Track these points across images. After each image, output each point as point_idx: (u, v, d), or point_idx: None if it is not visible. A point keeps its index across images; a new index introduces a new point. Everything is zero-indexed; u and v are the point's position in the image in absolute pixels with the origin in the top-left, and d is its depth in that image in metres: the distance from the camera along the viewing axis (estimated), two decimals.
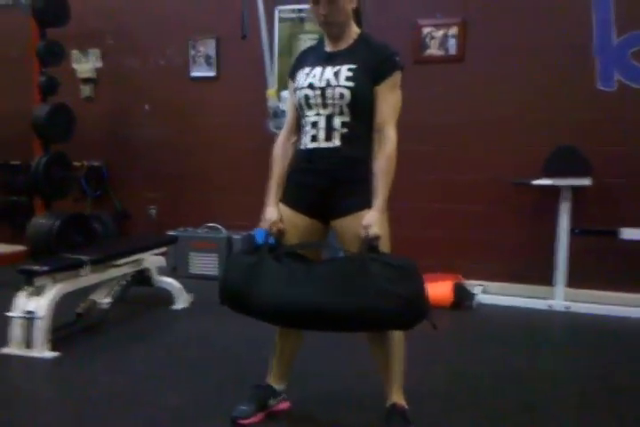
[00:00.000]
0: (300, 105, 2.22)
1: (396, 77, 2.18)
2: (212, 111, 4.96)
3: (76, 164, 5.01)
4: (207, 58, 4.98)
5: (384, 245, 2.14)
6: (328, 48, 2.26)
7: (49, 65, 4.76)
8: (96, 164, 5.24)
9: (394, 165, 2.14)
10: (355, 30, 2.24)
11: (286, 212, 2.26)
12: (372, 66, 2.15)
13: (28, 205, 5.10)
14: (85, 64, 5.29)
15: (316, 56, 2.27)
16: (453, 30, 4.31)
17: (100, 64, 5.28)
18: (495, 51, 4.22)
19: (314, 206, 2.23)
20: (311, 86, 2.18)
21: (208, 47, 4.96)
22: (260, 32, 4.35)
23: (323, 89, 2.16)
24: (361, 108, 2.15)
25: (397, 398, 2.30)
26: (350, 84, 2.13)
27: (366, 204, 2.12)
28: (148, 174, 5.19)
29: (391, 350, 2.26)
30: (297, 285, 2.08)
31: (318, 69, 2.20)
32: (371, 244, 2.08)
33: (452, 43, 4.33)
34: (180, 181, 5.10)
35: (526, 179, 3.97)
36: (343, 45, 2.22)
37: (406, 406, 2.30)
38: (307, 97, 2.19)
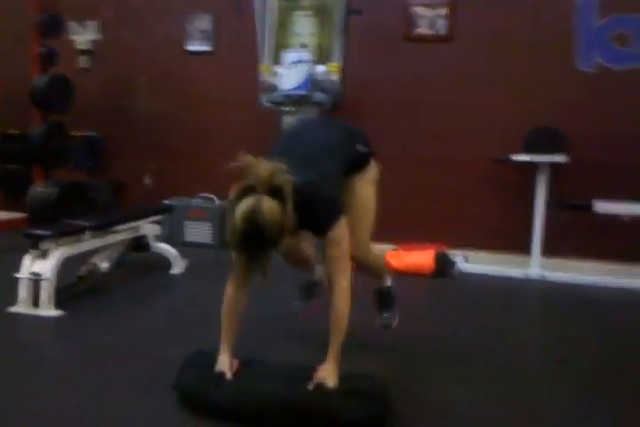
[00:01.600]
0: None
1: (335, 230, 2.15)
2: (208, 84, 5.06)
3: (73, 134, 5.09)
4: (203, 32, 5.07)
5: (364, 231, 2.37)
6: None
7: (48, 36, 4.82)
8: (92, 134, 5.34)
9: (346, 319, 2.16)
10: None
11: None
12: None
13: (24, 174, 5.17)
14: (83, 36, 5.36)
15: None
16: (443, 10, 4.44)
17: (97, 36, 5.34)
18: (481, 31, 4.36)
19: None
20: None
21: (204, 21, 5.04)
22: (254, 8, 4.45)
23: None
24: None
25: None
26: None
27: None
28: (144, 145, 5.29)
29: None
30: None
31: None
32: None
33: (441, 22, 4.46)
34: (175, 151, 5.21)
35: (506, 155, 4.12)
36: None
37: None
38: None
